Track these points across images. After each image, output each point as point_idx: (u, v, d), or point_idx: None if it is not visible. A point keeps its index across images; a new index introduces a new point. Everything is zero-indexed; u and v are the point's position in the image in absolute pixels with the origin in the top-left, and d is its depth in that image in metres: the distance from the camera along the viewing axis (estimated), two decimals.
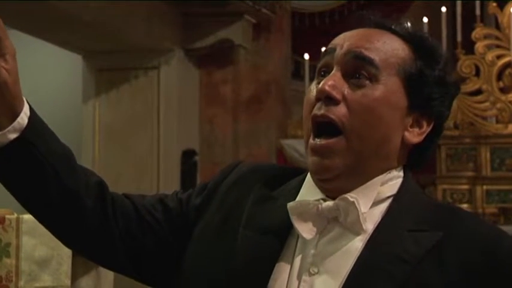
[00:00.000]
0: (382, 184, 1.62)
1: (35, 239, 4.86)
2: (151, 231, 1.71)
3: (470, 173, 8.68)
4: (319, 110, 1.58)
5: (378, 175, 1.61)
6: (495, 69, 8.65)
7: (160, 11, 8.18)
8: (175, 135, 8.37)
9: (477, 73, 8.70)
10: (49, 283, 4.86)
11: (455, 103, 9.00)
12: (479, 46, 8.72)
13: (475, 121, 8.69)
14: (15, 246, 4.86)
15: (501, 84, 8.65)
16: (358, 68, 1.58)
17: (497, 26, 8.82)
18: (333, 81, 1.57)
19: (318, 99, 1.58)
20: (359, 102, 1.57)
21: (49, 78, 9.40)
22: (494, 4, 8.74)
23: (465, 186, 8.68)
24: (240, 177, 1.75)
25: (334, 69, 1.59)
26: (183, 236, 1.71)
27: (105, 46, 8.15)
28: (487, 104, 8.69)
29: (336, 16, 9.61)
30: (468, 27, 8.72)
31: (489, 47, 8.74)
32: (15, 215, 4.96)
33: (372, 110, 1.57)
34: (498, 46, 8.74)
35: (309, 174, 1.67)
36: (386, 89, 1.59)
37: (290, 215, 1.59)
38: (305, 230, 1.58)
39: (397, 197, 1.61)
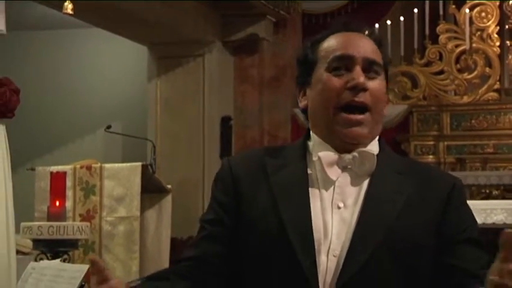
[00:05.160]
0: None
1: (114, 181, 4.92)
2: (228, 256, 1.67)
3: (435, 133, 8.74)
4: (357, 97, 1.63)
5: (376, 137, 1.70)
6: (454, 55, 8.69)
7: (204, 12, 8.16)
8: (216, 106, 8.37)
9: (440, 58, 8.72)
10: (124, 214, 4.92)
11: (424, 80, 9.02)
12: (442, 38, 8.73)
13: (438, 94, 8.73)
14: (99, 187, 4.92)
15: (458, 66, 8.68)
16: (370, 67, 1.66)
17: (456, 23, 8.79)
18: (363, 77, 1.64)
19: (352, 88, 1.63)
20: (377, 89, 1.66)
21: (122, 64, 9.40)
22: (453, 6, 8.72)
23: (431, 142, 8.72)
24: (245, 165, 1.71)
25: (356, 67, 1.65)
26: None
27: (164, 39, 8.13)
28: (447, 81, 8.73)
29: (336, 16, 9.54)
30: (434, 24, 8.71)
31: (449, 39, 8.75)
32: (99, 164, 5.01)
33: (381, 94, 1.68)
34: (456, 38, 8.74)
35: (312, 138, 1.70)
36: (383, 78, 1.69)
37: (322, 162, 1.64)
38: (331, 173, 1.64)
39: (382, 151, 1.70)
